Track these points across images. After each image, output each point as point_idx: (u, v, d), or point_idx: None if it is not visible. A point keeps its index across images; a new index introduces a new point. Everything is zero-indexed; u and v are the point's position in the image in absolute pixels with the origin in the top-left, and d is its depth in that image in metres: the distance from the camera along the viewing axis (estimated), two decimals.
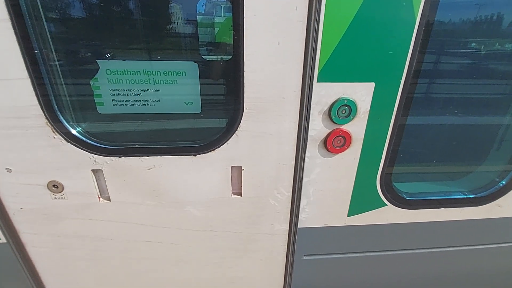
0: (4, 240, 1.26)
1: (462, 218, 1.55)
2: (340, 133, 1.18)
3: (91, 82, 1.03)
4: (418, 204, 1.47)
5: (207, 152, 1.15)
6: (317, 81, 1.08)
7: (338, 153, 1.24)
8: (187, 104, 1.10)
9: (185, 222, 1.33)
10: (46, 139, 1.07)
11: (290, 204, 1.35)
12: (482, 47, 1.62)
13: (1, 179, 1.14)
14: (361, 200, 1.40)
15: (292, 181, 1.29)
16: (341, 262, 1.60)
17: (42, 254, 1.36)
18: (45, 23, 0.93)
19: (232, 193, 1.29)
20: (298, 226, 1.43)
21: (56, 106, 1.04)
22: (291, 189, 1.31)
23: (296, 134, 1.17)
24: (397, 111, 1.17)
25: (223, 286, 1.56)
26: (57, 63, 1.00)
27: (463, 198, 1.50)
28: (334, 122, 1.16)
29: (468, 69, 1.73)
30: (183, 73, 1.04)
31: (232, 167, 1.21)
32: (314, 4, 0.94)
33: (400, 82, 1.11)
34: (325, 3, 0.95)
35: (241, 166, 1.21)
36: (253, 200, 1.31)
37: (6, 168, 1.12)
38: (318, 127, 1.18)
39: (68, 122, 1.06)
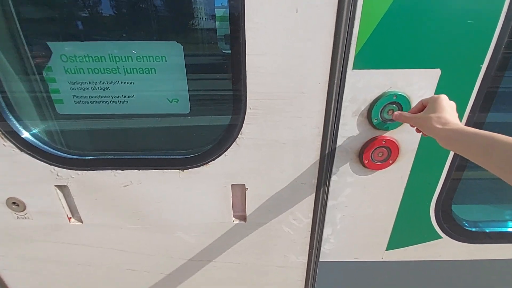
0: None
1: None
2: (383, 142, 0.84)
3: (44, 73, 0.77)
4: (484, 238, 1.08)
5: (198, 166, 0.86)
6: (353, 68, 0.74)
7: (379, 169, 0.89)
8: (171, 102, 0.81)
9: (176, 250, 1.05)
10: None
11: (310, 233, 1.03)
12: None
13: None
14: (407, 231, 1.04)
15: (313, 204, 0.96)
16: None
17: (17, 277, 1.16)
18: None
19: (234, 217, 0.99)
20: (320, 259, 1.10)
21: (4, 106, 0.80)
22: (312, 215, 0.99)
23: (321, 143, 0.84)
24: (471, 111, 0.80)
25: None
26: None
27: None
28: (376, 128, 0.82)
29: None
30: (163, 58, 0.75)
31: (232, 185, 0.91)
32: None
33: (480, 68, 0.74)
34: None
35: (244, 185, 0.91)
36: (262, 226, 1.00)
37: None
38: (352, 134, 0.84)
39: (20, 126, 0.82)
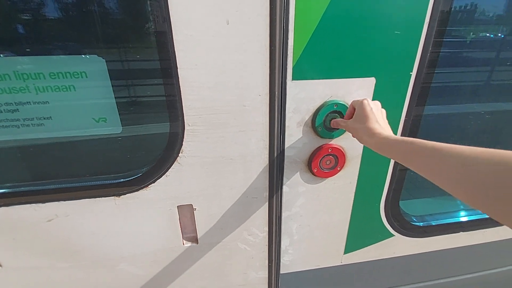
0: None
1: (485, 241, 1.25)
2: (329, 150, 0.84)
3: None
4: (432, 231, 1.15)
5: (136, 191, 0.78)
6: (293, 79, 0.72)
7: (328, 177, 0.89)
8: (98, 122, 0.72)
9: (122, 284, 0.94)
10: None
11: (267, 247, 0.99)
12: None
13: None
14: (361, 233, 1.06)
15: (267, 217, 0.93)
16: None
17: None
18: None
19: (184, 239, 0.92)
20: (281, 272, 1.07)
21: None
22: (267, 228, 0.95)
23: (268, 155, 0.81)
24: (407, 115, 0.83)
25: None
26: None
27: (487, 218, 1.20)
28: (321, 136, 0.81)
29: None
30: (83, 74, 0.66)
31: (178, 206, 0.84)
32: None
33: (410, 75, 0.77)
34: None
35: (192, 205, 0.84)
36: (215, 246, 0.94)
37: None
38: (299, 145, 0.83)
39: None
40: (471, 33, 1.13)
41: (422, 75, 0.77)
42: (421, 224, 1.14)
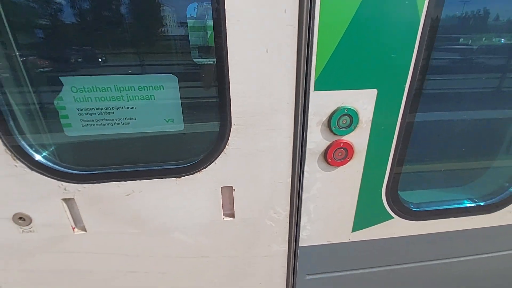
0: None
1: (473, 226, 1.45)
2: (341, 144, 1.07)
3: (55, 102, 0.89)
4: (426, 215, 1.36)
5: (193, 174, 1.03)
6: (314, 90, 0.96)
7: (340, 166, 1.12)
8: (167, 122, 0.97)
9: (174, 249, 1.20)
10: (6, 168, 0.93)
11: (288, 224, 1.23)
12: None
13: None
14: (366, 214, 1.28)
15: (289, 199, 1.17)
16: (347, 279, 1.48)
17: None
18: None
19: (223, 215, 1.16)
20: (300, 245, 1.31)
21: (15, 130, 0.90)
22: (289, 208, 1.19)
23: (292, 148, 1.05)
24: (402, 119, 1.05)
25: None
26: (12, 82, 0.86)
27: (474, 206, 1.40)
28: (335, 133, 1.05)
29: (480, 67, 1.60)
30: (161, 87, 0.91)
31: (222, 187, 1.09)
32: (306, 6, 0.82)
33: (404, 87, 0.99)
34: (319, 4, 0.83)
35: (232, 186, 1.09)
36: (248, 222, 1.18)
37: None
38: (317, 140, 1.06)
39: (31, 148, 0.93)
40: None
41: (413, 87, 1.00)
42: (417, 209, 1.35)
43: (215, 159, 1.01)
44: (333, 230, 1.30)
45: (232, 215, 1.17)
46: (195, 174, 1.03)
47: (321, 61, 0.90)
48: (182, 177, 1.03)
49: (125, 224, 1.10)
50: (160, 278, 1.27)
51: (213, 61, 0.87)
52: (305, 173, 1.12)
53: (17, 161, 0.93)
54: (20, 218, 1.03)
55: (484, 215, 1.42)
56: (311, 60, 0.90)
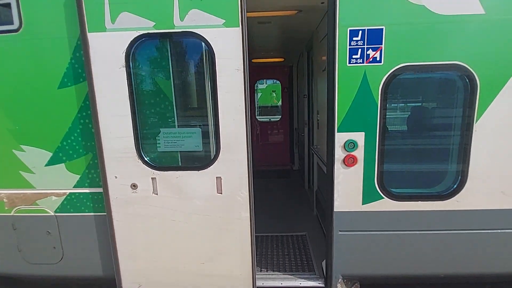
0: (104, 213, 2.54)
1: (435, 209, 2.55)
2: (351, 156, 2.40)
3: (157, 138, 2.44)
4: (403, 198, 2.54)
5: (204, 169, 2.43)
6: (337, 132, 2.36)
7: (351, 167, 2.44)
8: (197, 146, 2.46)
9: (193, 209, 2.50)
10: (134, 162, 2.43)
11: (248, 201, 2.51)
12: None
13: (111, 182, 2.47)
14: (368, 195, 2.51)
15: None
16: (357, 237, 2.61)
17: (120, 226, 2.57)
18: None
19: (217, 192, 2.48)
20: (334, 210, 2.54)
21: (140, 148, 2.42)
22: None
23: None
24: (378, 144, 2.38)
25: (212, 256, 2.58)
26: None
27: (434, 195, 2.55)
28: (347, 151, 2.40)
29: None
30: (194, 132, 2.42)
31: (216, 177, 2.44)
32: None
33: (376, 130, 2.35)
34: (337, 87, 2.29)
35: (221, 177, 2.43)
36: (228, 197, 2.47)
37: (115, 176, 2.46)
38: (339, 154, 2.41)
39: (145, 155, 2.43)
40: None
41: (382, 130, 2.35)
42: (396, 193, 2.54)
43: (214, 162, 2.40)
44: (352, 203, 2.53)
45: (221, 192, 2.47)
46: (205, 169, 2.42)
47: (340, 117, 2.33)
48: (200, 170, 2.43)
49: (174, 193, 2.47)
50: (182, 226, 2.55)
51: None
52: (335, 169, 2.44)
53: (139, 160, 2.41)
54: (133, 184, 2.47)
55: (440, 201, 2.54)
56: (335, 118, 2.33)
